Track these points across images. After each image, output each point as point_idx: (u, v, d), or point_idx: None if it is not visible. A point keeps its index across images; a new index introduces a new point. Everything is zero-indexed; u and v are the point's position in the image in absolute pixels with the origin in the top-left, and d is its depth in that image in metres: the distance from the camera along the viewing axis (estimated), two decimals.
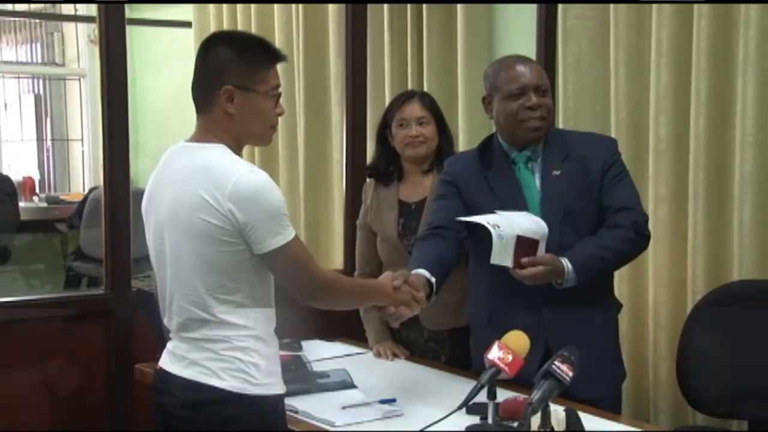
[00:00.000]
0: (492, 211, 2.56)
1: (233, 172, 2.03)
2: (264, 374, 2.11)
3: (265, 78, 2.13)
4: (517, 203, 2.58)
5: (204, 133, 2.14)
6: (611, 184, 2.56)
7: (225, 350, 2.09)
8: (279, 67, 2.20)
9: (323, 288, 2.15)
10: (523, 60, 2.64)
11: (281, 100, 2.20)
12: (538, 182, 2.59)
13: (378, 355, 3.00)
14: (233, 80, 2.10)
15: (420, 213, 3.02)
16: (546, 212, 2.55)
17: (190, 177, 2.07)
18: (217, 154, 2.09)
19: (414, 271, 2.52)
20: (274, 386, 2.14)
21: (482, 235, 2.54)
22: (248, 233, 2.02)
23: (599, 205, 2.56)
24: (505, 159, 2.63)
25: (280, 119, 2.24)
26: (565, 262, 2.47)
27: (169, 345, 2.20)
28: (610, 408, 2.48)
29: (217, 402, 2.08)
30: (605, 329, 2.61)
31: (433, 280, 2.51)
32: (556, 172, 2.57)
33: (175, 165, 2.14)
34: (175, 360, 2.16)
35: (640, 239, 2.55)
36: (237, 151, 2.13)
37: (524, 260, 2.45)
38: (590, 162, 2.56)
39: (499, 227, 2.43)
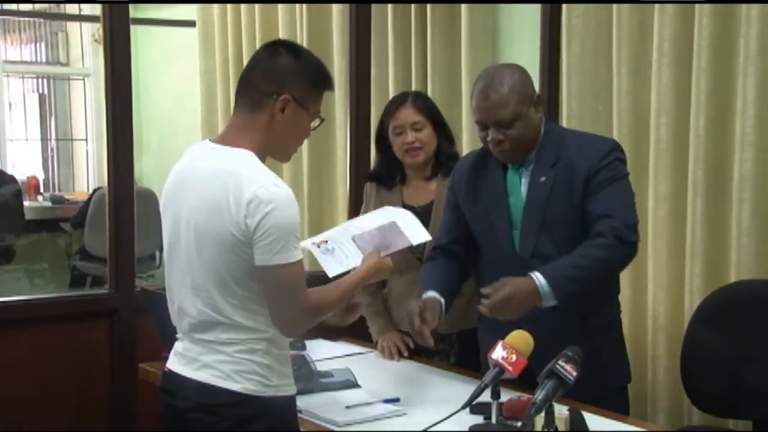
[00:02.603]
0: (476, 216, 2.62)
1: (256, 180, 2.03)
2: (277, 376, 2.11)
3: (317, 100, 2.18)
4: (499, 208, 2.57)
5: (236, 134, 2.13)
6: (596, 190, 2.46)
7: (238, 353, 2.09)
8: None
9: (307, 317, 2.12)
10: (487, 89, 2.47)
11: None
12: (524, 188, 2.55)
13: (382, 350, 2.97)
14: (294, 91, 2.11)
15: (427, 217, 2.95)
16: (526, 219, 2.52)
17: (215, 179, 2.06)
18: (245, 159, 2.08)
19: (425, 294, 2.57)
20: (287, 387, 2.15)
21: (482, 240, 2.61)
22: (255, 242, 2.02)
23: (582, 214, 2.47)
24: (497, 162, 2.60)
25: None
26: (536, 277, 2.36)
27: (179, 346, 2.19)
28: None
29: (232, 404, 2.08)
30: (583, 338, 2.41)
31: (443, 301, 2.55)
32: (543, 179, 2.50)
33: (202, 165, 2.13)
34: (185, 362, 2.15)
35: (622, 245, 2.41)
36: (261, 160, 2.12)
37: (484, 290, 2.39)
38: (576, 168, 2.48)
39: (325, 242, 2.42)
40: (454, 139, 3.08)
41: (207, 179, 2.08)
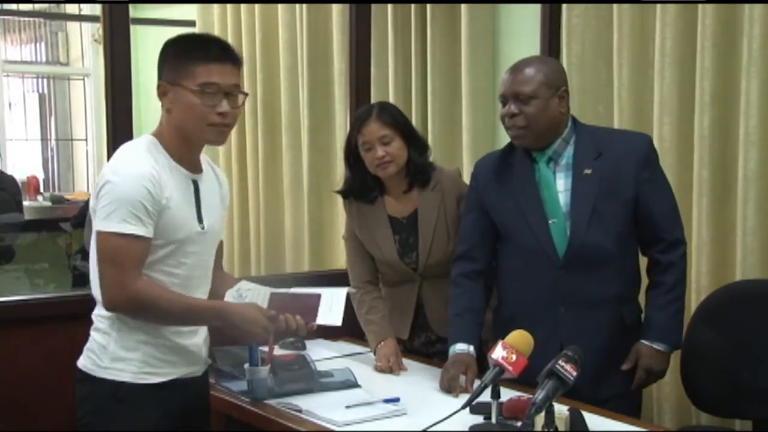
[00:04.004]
0: (506, 211, 2.66)
1: (114, 158, 2.17)
2: (110, 358, 2.15)
3: (192, 74, 2.15)
4: (534, 203, 2.60)
5: (156, 128, 2.24)
6: (650, 190, 2.57)
7: (92, 330, 2.21)
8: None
9: (125, 297, 2.09)
10: (518, 66, 2.61)
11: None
12: (561, 181, 2.59)
13: (379, 363, 2.85)
14: (164, 76, 2.19)
15: (413, 227, 2.95)
16: (575, 210, 2.57)
17: None
18: (131, 142, 2.24)
19: (454, 348, 2.65)
20: (120, 372, 2.15)
21: (508, 237, 2.66)
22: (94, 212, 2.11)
23: (633, 208, 2.57)
24: (525, 158, 2.64)
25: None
26: (655, 346, 2.58)
27: None
28: (626, 407, 2.50)
29: (77, 381, 2.21)
30: (621, 333, 2.61)
31: (473, 351, 2.65)
32: (587, 171, 2.57)
33: None
34: None
35: (686, 255, 2.67)
36: (182, 146, 2.20)
37: (625, 367, 2.58)
38: (622, 162, 2.57)
39: (249, 290, 2.37)
40: (425, 148, 2.98)
41: None
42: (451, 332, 2.72)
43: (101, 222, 2.08)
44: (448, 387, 2.57)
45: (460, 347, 2.65)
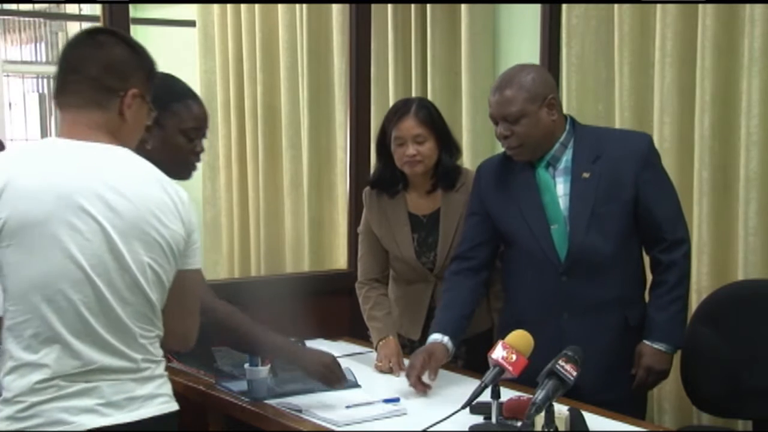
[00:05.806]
0: (508, 215, 2.65)
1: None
2: None
3: (150, 92, 1.99)
4: (535, 208, 2.60)
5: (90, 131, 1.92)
6: (650, 190, 2.56)
7: None
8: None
9: None
10: (499, 86, 2.56)
11: None
12: (560, 185, 2.59)
13: (380, 363, 2.85)
14: (139, 86, 1.95)
15: (434, 226, 2.94)
16: (573, 214, 2.56)
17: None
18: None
19: (433, 337, 2.64)
20: None
21: (512, 243, 2.66)
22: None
23: (633, 209, 2.57)
24: (526, 162, 2.64)
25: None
26: (656, 346, 2.57)
27: None
28: (629, 411, 2.48)
29: None
30: (626, 335, 2.61)
31: (450, 345, 2.63)
32: (586, 175, 2.56)
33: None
34: None
35: (689, 254, 2.64)
36: None
37: (634, 372, 2.57)
38: (621, 163, 2.56)
39: None
40: (457, 151, 2.96)
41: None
42: (432, 324, 2.73)
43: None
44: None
45: (434, 337, 2.65)
